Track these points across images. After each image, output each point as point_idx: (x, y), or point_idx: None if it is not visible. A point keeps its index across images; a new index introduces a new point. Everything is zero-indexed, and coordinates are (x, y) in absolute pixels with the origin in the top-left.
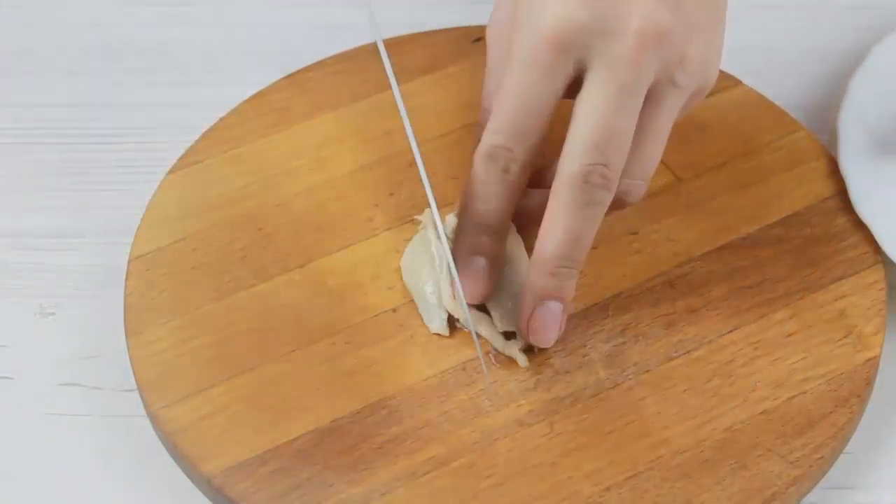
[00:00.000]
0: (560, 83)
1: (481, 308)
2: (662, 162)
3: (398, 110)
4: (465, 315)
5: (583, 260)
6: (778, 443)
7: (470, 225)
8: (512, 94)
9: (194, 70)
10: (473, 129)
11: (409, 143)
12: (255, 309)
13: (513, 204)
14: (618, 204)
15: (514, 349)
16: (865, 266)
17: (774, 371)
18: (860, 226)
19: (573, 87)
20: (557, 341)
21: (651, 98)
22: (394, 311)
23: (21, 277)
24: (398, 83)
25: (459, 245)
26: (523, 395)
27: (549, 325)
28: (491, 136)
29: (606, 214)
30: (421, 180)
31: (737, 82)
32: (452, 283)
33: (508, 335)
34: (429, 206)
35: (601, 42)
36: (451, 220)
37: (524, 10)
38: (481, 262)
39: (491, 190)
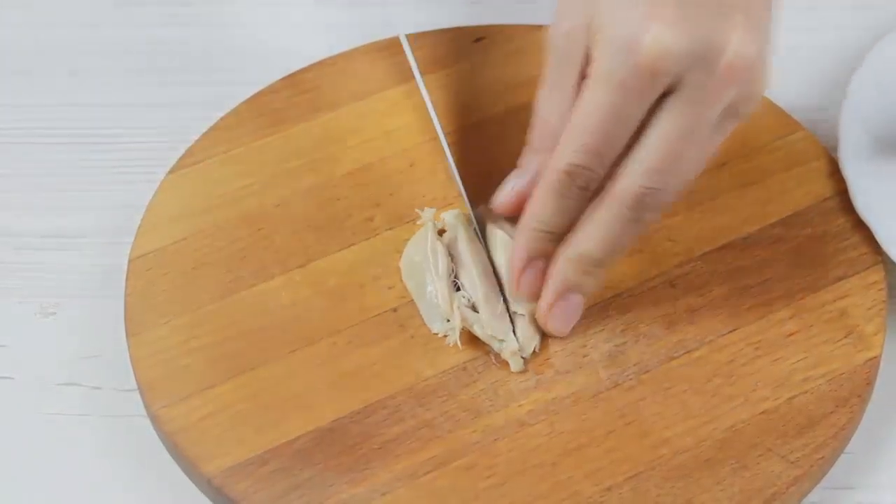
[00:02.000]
0: (647, 106)
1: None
2: None
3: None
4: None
5: (613, 265)
6: (778, 443)
7: (537, 232)
8: (598, 115)
9: (194, 70)
10: (473, 129)
11: (409, 143)
12: (256, 309)
13: (577, 217)
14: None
15: (507, 352)
16: (866, 266)
17: (775, 371)
18: (861, 226)
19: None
20: (558, 341)
21: (715, 125)
22: (394, 310)
23: (21, 277)
24: (397, 84)
25: (522, 248)
26: (524, 394)
27: (570, 316)
28: (573, 155)
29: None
30: (452, 176)
31: None
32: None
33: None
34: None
35: (692, 69)
36: (449, 217)
37: (608, 23)
38: (542, 263)
39: (569, 205)
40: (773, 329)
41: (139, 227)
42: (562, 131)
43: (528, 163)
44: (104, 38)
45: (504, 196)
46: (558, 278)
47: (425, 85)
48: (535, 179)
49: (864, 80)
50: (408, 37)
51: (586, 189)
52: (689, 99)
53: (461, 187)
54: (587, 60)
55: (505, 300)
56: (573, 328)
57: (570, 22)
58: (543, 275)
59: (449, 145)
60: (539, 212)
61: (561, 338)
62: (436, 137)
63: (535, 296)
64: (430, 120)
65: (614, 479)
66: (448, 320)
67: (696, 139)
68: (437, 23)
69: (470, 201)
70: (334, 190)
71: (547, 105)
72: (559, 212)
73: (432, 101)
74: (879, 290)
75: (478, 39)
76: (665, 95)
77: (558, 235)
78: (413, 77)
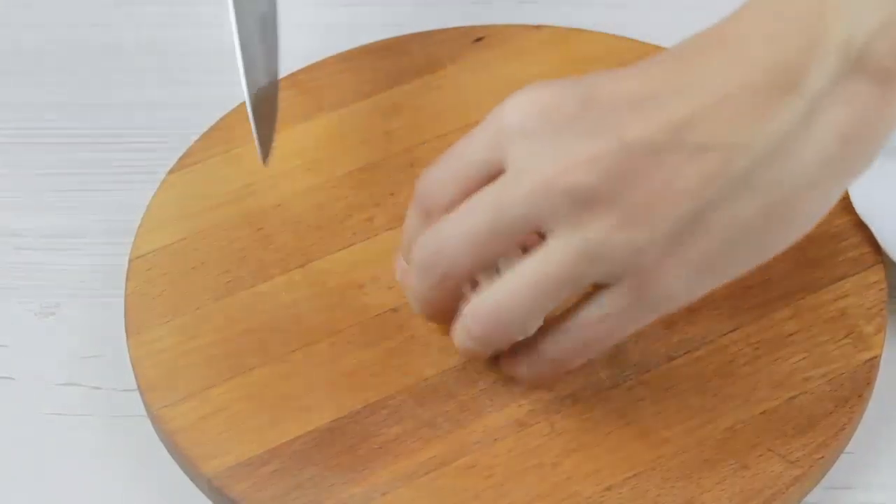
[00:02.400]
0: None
1: None
2: None
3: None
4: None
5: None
6: (778, 443)
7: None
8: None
9: (194, 70)
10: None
11: (409, 144)
12: (256, 309)
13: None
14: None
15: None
16: (866, 266)
17: (775, 371)
18: (861, 226)
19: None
20: None
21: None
22: (394, 310)
23: (21, 277)
24: (397, 84)
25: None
26: (524, 394)
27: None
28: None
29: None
30: None
31: None
32: None
33: None
34: None
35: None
36: None
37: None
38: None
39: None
40: (774, 329)
41: (139, 227)
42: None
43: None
44: (104, 38)
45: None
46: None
47: (425, 86)
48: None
49: None
50: (407, 37)
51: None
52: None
53: None
54: None
55: None
56: None
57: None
58: None
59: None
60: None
61: None
62: (435, 138)
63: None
64: (430, 120)
65: (614, 478)
66: None
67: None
68: (438, 22)
69: None
70: (334, 190)
71: (432, 178)
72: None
73: (431, 101)
74: (880, 290)
75: (478, 39)
76: None
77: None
78: (413, 77)
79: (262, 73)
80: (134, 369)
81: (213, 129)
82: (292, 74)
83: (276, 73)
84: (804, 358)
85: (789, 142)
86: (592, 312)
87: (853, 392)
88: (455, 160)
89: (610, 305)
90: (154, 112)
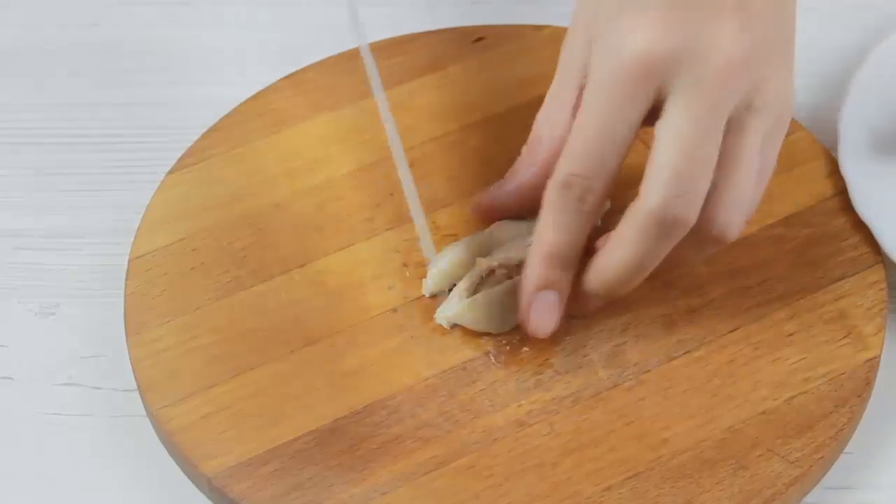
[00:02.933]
0: (641, 110)
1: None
2: None
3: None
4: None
5: (638, 283)
6: (778, 443)
7: (542, 256)
8: (590, 122)
9: (194, 70)
10: (473, 130)
11: (409, 144)
12: (255, 309)
13: (586, 235)
14: (716, 239)
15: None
16: (866, 266)
17: (775, 371)
18: (860, 226)
19: (654, 114)
20: (558, 341)
21: (733, 127)
22: (394, 311)
23: (21, 277)
24: (397, 84)
25: (529, 276)
26: (523, 395)
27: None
28: (567, 164)
29: (705, 253)
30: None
31: None
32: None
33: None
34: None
35: (684, 68)
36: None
37: (602, 34)
38: (552, 296)
39: (566, 220)
40: (773, 329)
41: (139, 227)
42: (553, 144)
43: (512, 173)
44: (104, 38)
45: (480, 201)
46: (580, 301)
47: (426, 86)
48: (515, 191)
49: (864, 80)
50: (407, 37)
51: (583, 201)
52: (687, 95)
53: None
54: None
55: None
56: (573, 328)
57: (574, 39)
58: (556, 310)
59: (448, 145)
60: (541, 233)
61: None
62: (435, 138)
63: (547, 332)
64: (429, 121)
65: (614, 479)
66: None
67: (707, 136)
68: (438, 23)
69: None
70: (334, 190)
71: (542, 119)
72: (559, 229)
73: (431, 102)
74: (879, 290)
75: (478, 39)
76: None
77: (565, 259)
78: (414, 78)
79: None
80: (134, 369)
81: (213, 129)
82: (292, 74)
83: None
84: (804, 358)
85: None
86: (749, 142)
87: (853, 392)
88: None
89: (756, 129)
90: (154, 112)
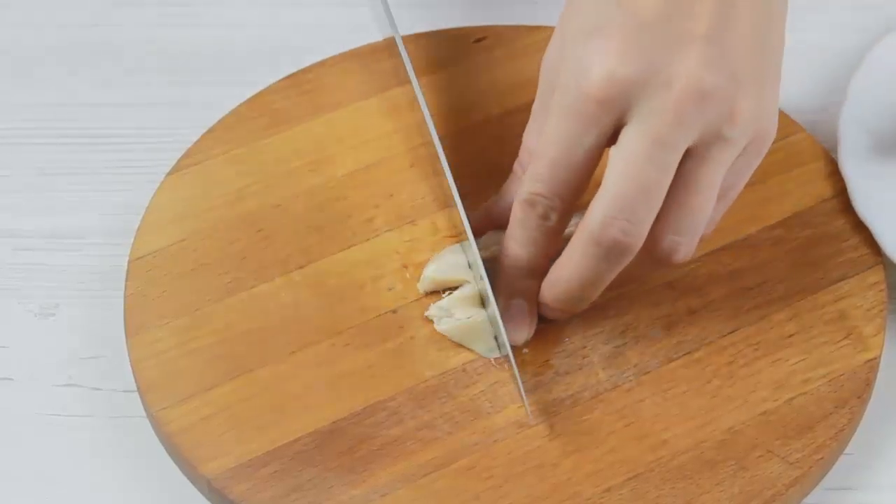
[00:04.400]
0: (600, 136)
1: None
2: None
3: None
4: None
5: (591, 299)
6: (778, 444)
7: (509, 268)
8: (552, 145)
9: (194, 70)
10: (473, 130)
11: (409, 144)
12: (255, 310)
13: (551, 248)
14: (661, 261)
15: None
16: (866, 267)
17: (775, 372)
18: (860, 227)
19: (617, 137)
20: (558, 343)
21: (695, 154)
22: (394, 312)
23: (21, 277)
24: (397, 85)
25: (500, 288)
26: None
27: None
28: (531, 184)
29: (655, 271)
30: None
31: None
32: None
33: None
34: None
35: (642, 97)
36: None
37: (570, 57)
38: (521, 303)
39: (530, 235)
40: (773, 330)
41: (139, 228)
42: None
43: (505, 190)
44: (104, 38)
45: (476, 215)
46: (541, 309)
47: (425, 86)
48: (508, 207)
49: (863, 80)
50: (407, 37)
51: (546, 219)
52: (642, 123)
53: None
54: None
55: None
56: (573, 330)
57: (552, 52)
58: (527, 316)
59: (449, 146)
60: (506, 246)
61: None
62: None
63: (521, 338)
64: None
65: (614, 480)
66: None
67: (656, 163)
68: (438, 23)
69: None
70: (334, 190)
71: (528, 135)
72: (523, 243)
73: (431, 102)
74: (879, 291)
75: (478, 40)
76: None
77: (531, 271)
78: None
79: None
80: (134, 370)
81: (213, 129)
82: (292, 74)
83: None
84: (803, 359)
85: None
86: (709, 171)
87: (852, 393)
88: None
89: (720, 158)
90: (154, 112)
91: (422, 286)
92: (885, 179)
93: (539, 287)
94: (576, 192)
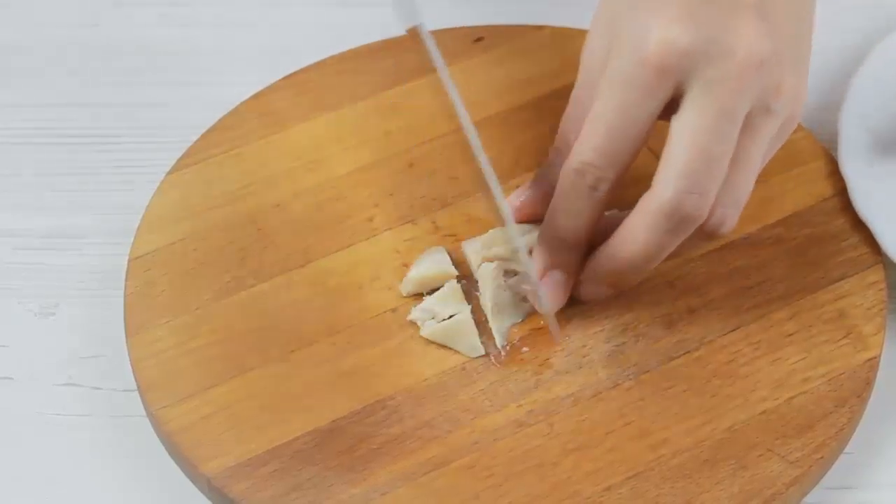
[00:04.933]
0: (658, 105)
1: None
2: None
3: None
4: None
5: (647, 273)
6: (778, 443)
7: (551, 239)
8: (607, 114)
9: (194, 70)
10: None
11: (409, 144)
12: (255, 309)
13: (596, 221)
14: (710, 234)
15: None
16: (865, 266)
17: (774, 371)
18: (860, 226)
19: (669, 108)
20: (558, 342)
21: (746, 125)
22: (393, 311)
23: (21, 277)
24: (397, 84)
25: (540, 258)
26: (523, 395)
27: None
28: (582, 153)
29: (699, 246)
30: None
31: None
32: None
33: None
34: (426, 204)
35: (703, 66)
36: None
37: (624, 32)
38: (560, 276)
39: (577, 206)
40: (773, 329)
41: (139, 227)
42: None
43: (541, 175)
44: (104, 38)
45: (511, 203)
46: (592, 272)
47: (425, 86)
48: (543, 192)
49: (864, 80)
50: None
51: (595, 189)
52: (706, 93)
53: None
54: None
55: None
56: (573, 328)
57: (597, 41)
58: (563, 288)
59: (449, 145)
60: (550, 217)
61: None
62: (434, 138)
63: (556, 307)
64: (429, 121)
65: (614, 479)
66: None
67: (724, 135)
68: (437, 23)
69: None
70: (334, 190)
71: (567, 121)
72: (570, 214)
73: (432, 103)
74: (879, 290)
75: (478, 39)
76: (682, 97)
77: (573, 243)
78: (413, 77)
79: None
80: (134, 369)
81: (212, 129)
82: (292, 74)
83: None
84: (803, 358)
85: None
86: (759, 144)
87: (852, 392)
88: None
89: (768, 131)
90: (154, 112)
91: (404, 288)
92: (885, 179)
93: (577, 261)
94: (627, 162)
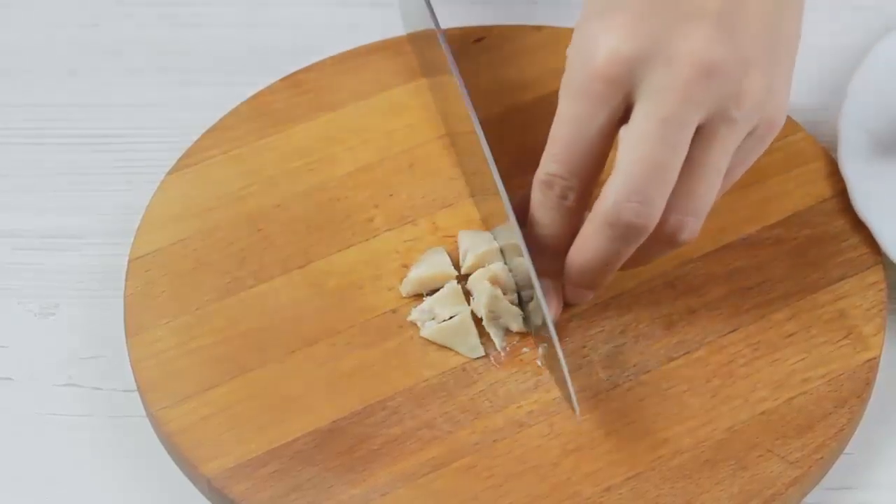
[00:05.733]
0: (610, 114)
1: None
2: None
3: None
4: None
5: (605, 282)
6: (778, 443)
7: (534, 247)
8: (564, 125)
9: (194, 70)
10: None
11: (409, 144)
12: (255, 309)
13: (572, 227)
14: (670, 241)
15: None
16: (865, 267)
17: (774, 371)
18: (860, 226)
19: (628, 116)
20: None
21: (703, 133)
22: (393, 311)
23: (21, 277)
24: (397, 84)
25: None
26: (523, 395)
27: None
28: (547, 165)
29: (661, 253)
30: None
31: None
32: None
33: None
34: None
35: (647, 73)
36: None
37: (577, 42)
38: (548, 282)
39: (548, 215)
40: (773, 330)
41: (139, 228)
42: None
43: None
44: (104, 38)
45: (515, 204)
46: (566, 290)
47: (425, 86)
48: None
49: (863, 80)
50: (408, 37)
51: (564, 198)
52: (651, 101)
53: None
54: None
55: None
56: (573, 329)
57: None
58: (554, 294)
59: (449, 145)
60: (530, 227)
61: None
62: (435, 138)
63: (551, 314)
64: (430, 121)
65: (613, 479)
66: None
67: (668, 142)
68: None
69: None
70: (334, 190)
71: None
72: (542, 223)
73: (432, 103)
74: (879, 290)
75: (478, 39)
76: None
77: (553, 250)
78: (413, 78)
79: None
80: (134, 370)
81: (212, 129)
82: (292, 74)
83: None
84: (803, 359)
85: None
86: (716, 152)
87: (852, 393)
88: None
89: (727, 139)
90: (154, 112)
91: (404, 289)
92: (884, 179)
93: (561, 265)
94: (592, 171)
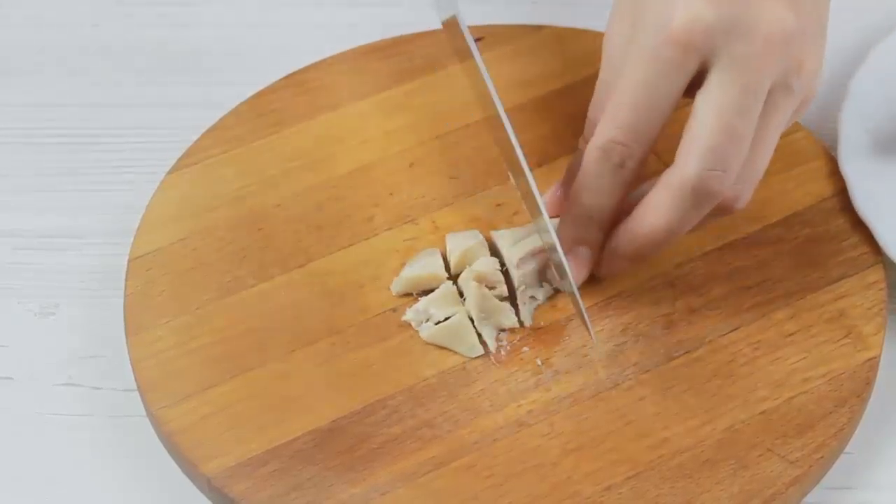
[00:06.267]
0: (683, 81)
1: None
2: (663, 162)
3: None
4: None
5: (670, 246)
6: (778, 443)
7: (577, 216)
8: (632, 90)
9: (194, 70)
10: (473, 129)
11: (408, 144)
12: (255, 309)
13: (621, 198)
14: (725, 210)
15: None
16: (865, 266)
17: (774, 371)
18: (860, 226)
19: (692, 85)
20: (558, 341)
21: (767, 103)
22: (393, 311)
23: (21, 277)
24: (397, 84)
25: (564, 234)
26: (523, 395)
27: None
28: (608, 131)
29: (709, 221)
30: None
31: None
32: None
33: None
34: (426, 203)
35: (728, 42)
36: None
37: (649, 11)
38: (584, 252)
39: (603, 184)
40: (773, 329)
41: (139, 227)
42: None
43: (571, 169)
44: (104, 38)
45: (548, 196)
46: (615, 247)
47: (425, 86)
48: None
49: (864, 80)
50: (407, 37)
51: (622, 167)
52: (730, 69)
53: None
54: None
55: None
56: (573, 328)
57: (619, 25)
58: (587, 264)
59: (449, 145)
60: (576, 194)
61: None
62: (436, 138)
63: (579, 281)
64: (429, 120)
65: (614, 479)
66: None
67: (747, 112)
68: (438, 23)
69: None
70: (334, 190)
71: (594, 108)
72: (596, 192)
73: (432, 101)
74: (879, 290)
75: (478, 40)
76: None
77: (598, 221)
78: (414, 78)
79: None
80: (133, 369)
81: (213, 129)
82: (292, 74)
83: None
84: (803, 358)
85: None
86: (778, 122)
87: (852, 392)
88: None
89: (787, 109)
90: (154, 112)
91: (395, 288)
92: (885, 178)
93: (602, 237)
94: (653, 139)
